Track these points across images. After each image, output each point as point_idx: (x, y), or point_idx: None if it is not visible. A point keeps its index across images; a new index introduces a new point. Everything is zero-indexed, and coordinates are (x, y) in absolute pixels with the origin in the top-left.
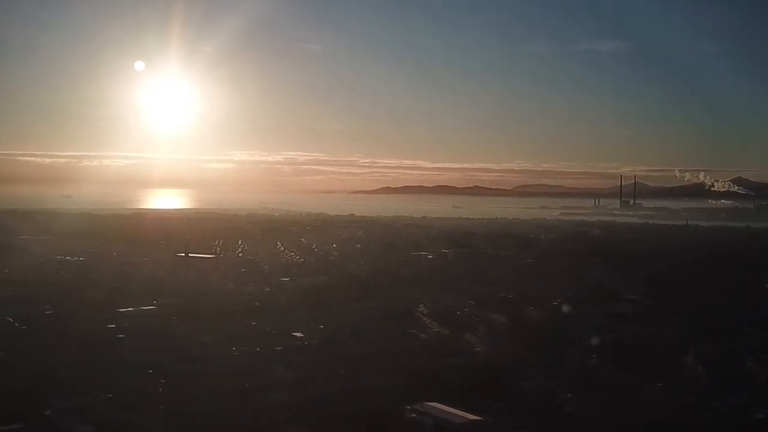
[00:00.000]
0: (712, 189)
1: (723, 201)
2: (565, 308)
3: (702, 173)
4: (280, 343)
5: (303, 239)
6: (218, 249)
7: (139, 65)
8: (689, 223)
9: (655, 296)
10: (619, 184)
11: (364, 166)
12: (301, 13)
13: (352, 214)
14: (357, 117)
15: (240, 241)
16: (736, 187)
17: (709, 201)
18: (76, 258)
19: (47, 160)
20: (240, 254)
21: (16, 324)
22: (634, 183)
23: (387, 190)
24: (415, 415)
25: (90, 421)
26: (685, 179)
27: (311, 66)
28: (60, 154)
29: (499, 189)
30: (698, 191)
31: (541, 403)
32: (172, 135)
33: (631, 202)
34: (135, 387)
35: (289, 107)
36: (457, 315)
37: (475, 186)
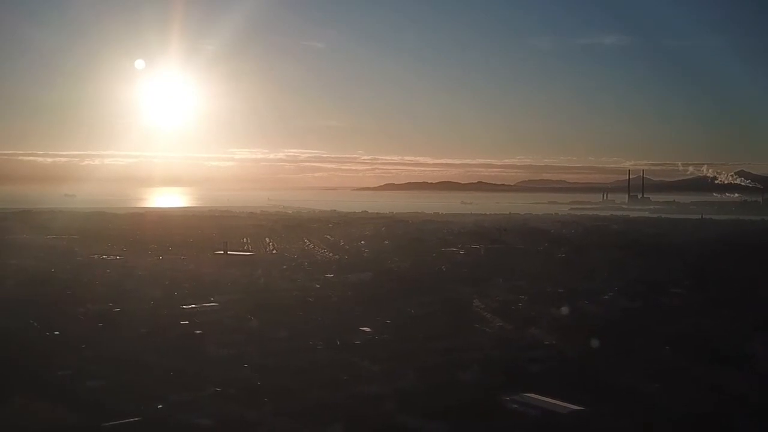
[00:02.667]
0: (717, 182)
1: (727, 194)
2: (618, 302)
3: (705, 166)
4: (353, 337)
5: (328, 236)
6: (249, 246)
7: (139, 63)
8: (703, 217)
9: (700, 289)
10: (627, 178)
11: (366, 162)
12: (303, 10)
13: (365, 211)
14: (358, 114)
15: (267, 239)
16: (739, 180)
17: (714, 194)
18: (113, 257)
19: (49, 160)
20: (274, 252)
21: (91, 321)
22: (642, 177)
23: (391, 187)
24: (516, 405)
25: (205, 415)
26: (688, 172)
27: (313, 63)
28: (61, 153)
29: (503, 184)
30: (702, 184)
31: (630, 395)
32: (173, 133)
33: (639, 196)
34: (235, 380)
35: (290, 105)
36: (513, 309)
37: (478, 182)
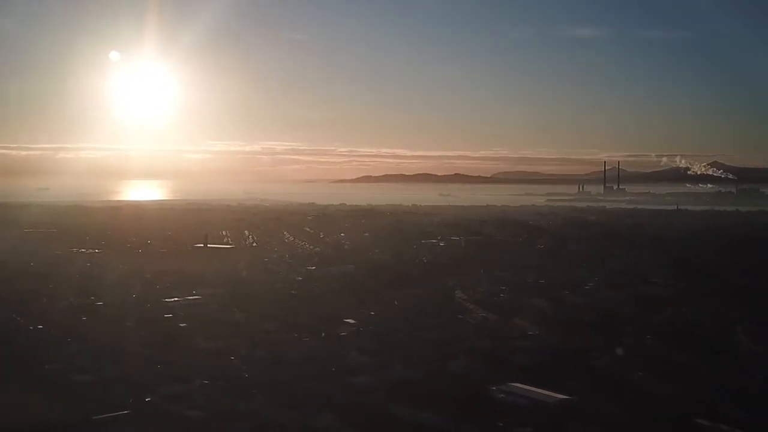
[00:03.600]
0: (690, 173)
1: (700, 185)
2: (601, 292)
3: (678, 157)
4: (339, 329)
5: (308, 229)
6: (229, 239)
7: (114, 55)
8: (679, 207)
9: (683, 279)
10: (602, 169)
11: (343, 155)
12: (284, 2)
13: (344, 204)
14: (335, 106)
15: (246, 232)
16: (712, 171)
17: (687, 185)
18: (92, 250)
19: (23, 153)
20: (254, 244)
21: (75, 314)
22: (618, 169)
23: (368, 179)
24: (504, 395)
25: (196, 407)
26: (662, 164)
27: (293, 55)
28: (35, 146)
29: (479, 176)
30: (677, 176)
31: (617, 383)
32: (149, 125)
33: (615, 187)
34: (224, 373)
35: (268, 96)
36: (495, 300)
37: (455, 173)
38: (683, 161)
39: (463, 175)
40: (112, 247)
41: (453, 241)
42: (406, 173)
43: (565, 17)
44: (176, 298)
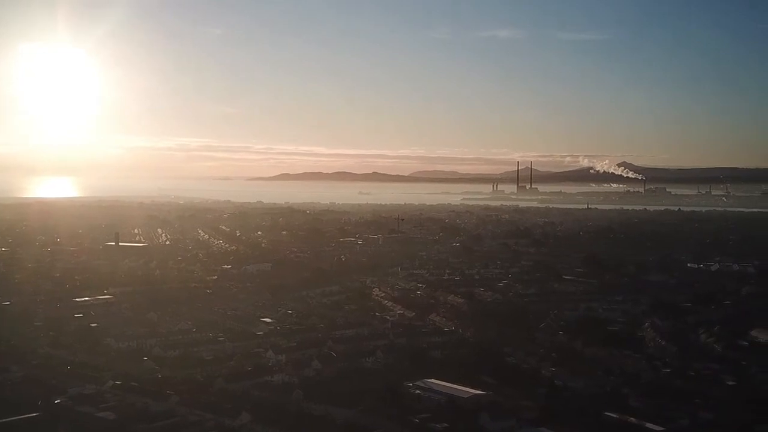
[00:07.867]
0: (592, 171)
1: (604, 185)
2: (514, 289)
3: (581, 157)
4: (255, 327)
5: (224, 227)
6: (141, 237)
7: (23, 47)
8: (590, 206)
9: (593, 275)
10: (515, 169)
11: (259, 152)
12: None
13: (260, 201)
14: (251, 102)
15: (160, 230)
16: (615, 169)
17: (592, 185)
18: None
19: None
20: (168, 243)
21: None
22: (531, 169)
23: (286, 177)
24: (419, 391)
25: (107, 408)
26: (565, 163)
27: (209, 49)
28: None
29: (397, 175)
30: (588, 175)
31: (531, 378)
32: (59, 121)
33: (528, 186)
34: (136, 374)
35: (181, 91)
36: (412, 297)
37: (373, 172)
38: (585, 160)
39: (381, 173)
40: (20, 245)
41: (371, 239)
42: (325, 171)
43: (483, 18)
44: (87, 298)
